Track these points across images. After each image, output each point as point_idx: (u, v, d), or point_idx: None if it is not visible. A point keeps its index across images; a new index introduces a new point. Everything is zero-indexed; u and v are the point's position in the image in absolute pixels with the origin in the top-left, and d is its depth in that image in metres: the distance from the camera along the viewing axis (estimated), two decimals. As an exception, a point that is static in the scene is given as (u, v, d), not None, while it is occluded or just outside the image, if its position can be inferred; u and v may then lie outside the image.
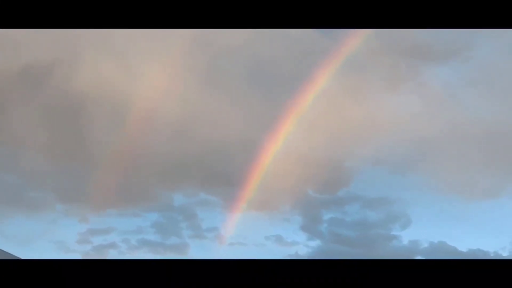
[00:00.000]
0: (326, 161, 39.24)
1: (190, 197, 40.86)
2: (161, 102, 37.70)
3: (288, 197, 39.75)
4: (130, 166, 37.58)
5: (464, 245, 43.69)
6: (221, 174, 39.55)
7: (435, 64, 43.01)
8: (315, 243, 39.80)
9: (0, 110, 37.71)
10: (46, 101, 37.77)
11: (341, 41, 37.34)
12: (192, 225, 40.01)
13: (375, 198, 41.01)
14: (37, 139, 37.44)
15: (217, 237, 38.90)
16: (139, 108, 37.09)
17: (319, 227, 40.25)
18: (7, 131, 37.34)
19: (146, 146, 37.89)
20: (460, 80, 42.36)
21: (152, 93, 37.40)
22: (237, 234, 38.39)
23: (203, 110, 38.63)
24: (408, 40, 41.15)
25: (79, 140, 38.00)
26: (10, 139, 37.41)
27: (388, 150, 39.72)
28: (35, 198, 38.88)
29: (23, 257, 21.72)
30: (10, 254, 23.55)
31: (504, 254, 36.41)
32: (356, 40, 37.10)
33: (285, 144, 37.40)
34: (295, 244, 39.62)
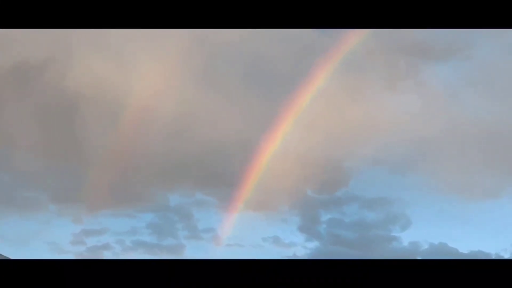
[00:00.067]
0: (324, 161, 39.12)
1: (186, 198, 40.82)
2: (157, 102, 37.61)
3: (286, 198, 39.63)
4: (125, 166, 37.48)
5: (465, 246, 43.57)
6: (218, 174, 39.55)
7: (435, 63, 43.08)
8: (313, 244, 39.67)
9: (-7, 109, 37.50)
10: (40, 100, 37.68)
11: (339, 40, 37.28)
12: (188, 226, 39.88)
13: (374, 199, 40.98)
14: (30, 138, 37.37)
15: (213, 238, 38.81)
16: (135, 107, 36.98)
17: (318, 228, 40.15)
18: (0, 130, 37.14)
19: (141, 146, 37.83)
20: (460, 80, 42.39)
21: (148, 92, 37.30)
22: (234, 235, 38.32)
23: (200, 110, 38.53)
24: (408, 38, 41.13)
25: (73, 140, 37.90)
26: (3, 138, 37.25)
27: (388, 150, 39.61)
28: (28, 198, 38.80)
29: (15, 258, 21.37)
30: (1, 254, 23.30)
31: (506, 256, 36.43)
32: (355, 39, 37.04)
33: (283, 143, 37.35)
34: (293, 245, 39.52)
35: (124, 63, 37.29)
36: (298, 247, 39.38)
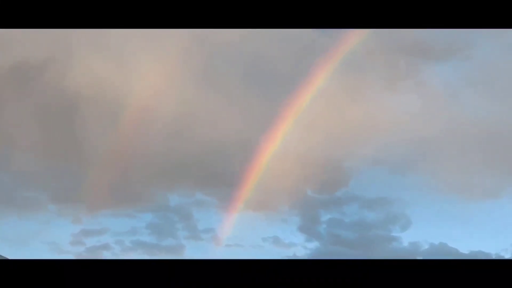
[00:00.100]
0: (324, 161, 39.10)
1: (186, 198, 40.77)
2: (157, 102, 37.58)
3: (286, 198, 39.60)
4: (125, 166, 37.45)
5: (466, 246, 43.58)
6: (218, 174, 39.50)
7: (435, 63, 43.08)
8: (313, 244, 39.63)
9: (-8, 109, 37.48)
10: (40, 100, 37.65)
11: (339, 40, 37.23)
12: (188, 226, 39.83)
13: (374, 199, 40.94)
14: (30, 138, 37.36)
15: (213, 238, 38.78)
16: (135, 107, 36.95)
17: (318, 228, 40.11)
18: (0, 130, 37.11)
19: (141, 146, 37.79)
20: (460, 80, 42.39)
21: (148, 92, 37.28)
22: (234, 235, 38.28)
23: (200, 110, 38.52)
24: (408, 38, 41.10)
25: (73, 140, 37.86)
26: (3, 138, 37.20)
27: (388, 150, 39.59)
28: (28, 198, 38.77)
29: (14, 258, 21.34)
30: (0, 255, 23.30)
31: (506, 256, 36.37)
32: (355, 39, 37.02)
33: (283, 143, 37.33)
34: (293, 245, 39.48)
35: (124, 63, 37.30)
36: (298, 247, 39.42)
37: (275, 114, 37.12)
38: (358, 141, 39.67)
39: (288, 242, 39.49)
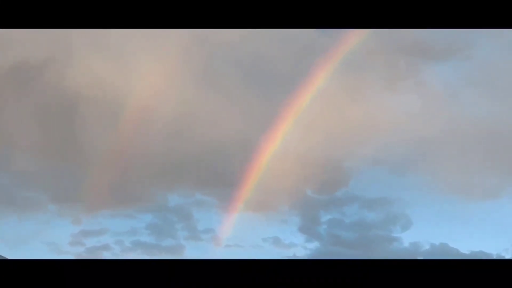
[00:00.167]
0: (324, 161, 39.05)
1: (185, 198, 40.66)
2: (157, 101, 37.55)
3: (286, 198, 39.55)
4: (124, 166, 37.42)
5: (466, 247, 43.36)
6: (218, 174, 39.48)
7: (435, 63, 43.01)
8: (314, 245, 39.57)
9: (-8, 109, 37.46)
10: (39, 100, 37.62)
11: (339, 40, 37.21)
12: (187, 226, 39.77)
13: (374, 199, 40.84)
14: (30, 138, 37.31)
15: (213, 238, 38.72)
16: (134, 107, 36.92)
17: (318, 229, 40.04)
18: (0, 130, 37.08)
19: (141, 146, 37.75)
20: (460, 80, 42.36)
21: (148, 92, 37.24)
22: (234, 235, 38.22)
23: (200, 110, 38.47)
24: (408, 38, 41.07)
25: (73, 140, 37.83)
26: (3, 138, 37.16)
27: (388, 150, 39.54)
28: (27, 198, 38.72)
29: (13, 258, 21.33)
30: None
31: (507, 256, 36.26)
32: (355, 39, 36.99)
33: (283, 143, 37.30)
34: (293, 246, 39.41)
35: (124, 63, 37.27)
36: (298, 247, 39.36)
37: (275, 114, 37.13)
38: (358, 141, 39.69)
39: (288, 242, 39.49)
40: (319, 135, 38.94)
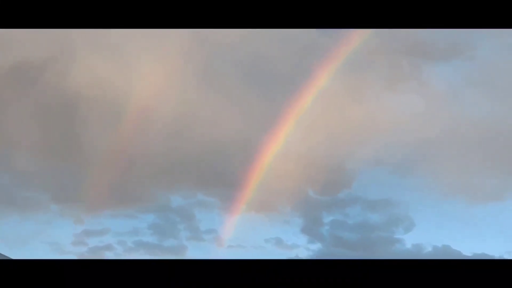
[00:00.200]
0: (326, 162, 38.97)
1: (187, 198, 40.61)
2: (158, 101, 37.51)
3: (288, 199, 39.49)
4: (126, 166, 37.38)
5: (469, 249, 43.18)
6: (220, 174, 39.43)
7: (437, 63, 42.92)
8: (316, 246, 39.52)
9: (-7, 109, 37.43)
10: (40, 100, 37.61)
11: (341, 40, 37.13)
12: (189, 227, 39.75)
13: (377, 200, 40.68)
14: (31, 138, 37.32)
15: (215, 239, 38.68)
16: (135, 107, 36.89)
17: (320, 230, 39.98)
18: (0, 129, 37.05)
19: (142, 146, 37.73)
20: (463, 80, 42.23)
21: (148, 92, 37.19)
22: (236, 236, 38.15)
23: (201, 110, 38.44)
24: (410, 38, 40.99)
25: (74, 139, 37.84)
26: (3, 138, 37.17)
27: (390, 151, 39.46)
28: (29, 198, 38.73)
29: (16, 258, 21.31)
30: (2, 255, 23.25)
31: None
32: (357, 39, 36.92)
33: (285, 144, 37.23)
34: (295, 247, 39.33)
35: (125, 63, 37.24)
36: (300, 248, 39.29)
37: (276, 114, 37.08)
38: (361, 142, 39.59)
39: (290, 243, 39.43)
40: (321, 135, 38.91)
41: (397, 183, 40.78)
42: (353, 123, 39.23)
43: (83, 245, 37.75)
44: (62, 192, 38.39)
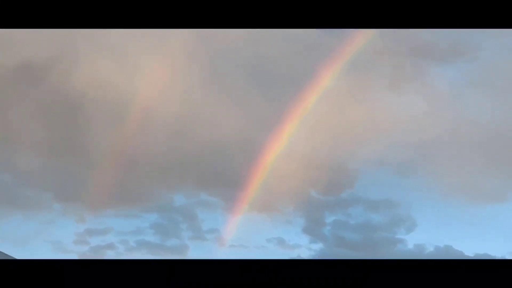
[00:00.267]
0: (329, 162, 39.00)
1: (190, 198, 40.64)
2: (161, 101, 37.55)
3: (291, 199, 39.47)
4: (129, 165, 37.42)
5: (471, 249, 43.29)
6: (222, 174, 39.43)
7: (440, 64, 42.87)
8: (318, 246, 39.53)
9: (-3, 109, 37.51)
10: (43, 100, 37.66)
11: (344, 40, 37.12)
12: (192, 227, 39.78)
13: (379, 200, 40.70)
14: (34, 137, 37.35)
15: (217, 239, 38.67)
16: (138, 107, 36.91)
17: (322, 230, 39.98)
18: (3, 129, 37.18)
19: (145, 146, 37.75)
20: (466, 81, 42.18)
21: (151, 92, 37.23)
22: (238, 236, 38.16)
23: (204, 110, 38.44)
24: (413, 39, 40.94)
25: (77, 139, 37.91)
26: (6, 137, 37.23)
27: (393, 151, 39.45)
28: (31, 197, 38.81)
29: (18, 258, 21.32)
30: (5, 254, 23.24)
31: (512, 259, 35.94)
32: (360, 39, 36.85)
33: (288, 144, 37.23)
34: (297, 247, 39.35)
35: (128, 63, 37.29)
36: (302, 248, 39.31)
37: (279, 115, 37.10)
38: (364, 142, 39.58)
39: (292, 243, 39.44)
40: (324, 136, 38.91)
41: (400, 183, 40.87)
42: (355, 124, 39.28)
43: (85, 244, 37.89)
44: (65, 191, 38.51)
